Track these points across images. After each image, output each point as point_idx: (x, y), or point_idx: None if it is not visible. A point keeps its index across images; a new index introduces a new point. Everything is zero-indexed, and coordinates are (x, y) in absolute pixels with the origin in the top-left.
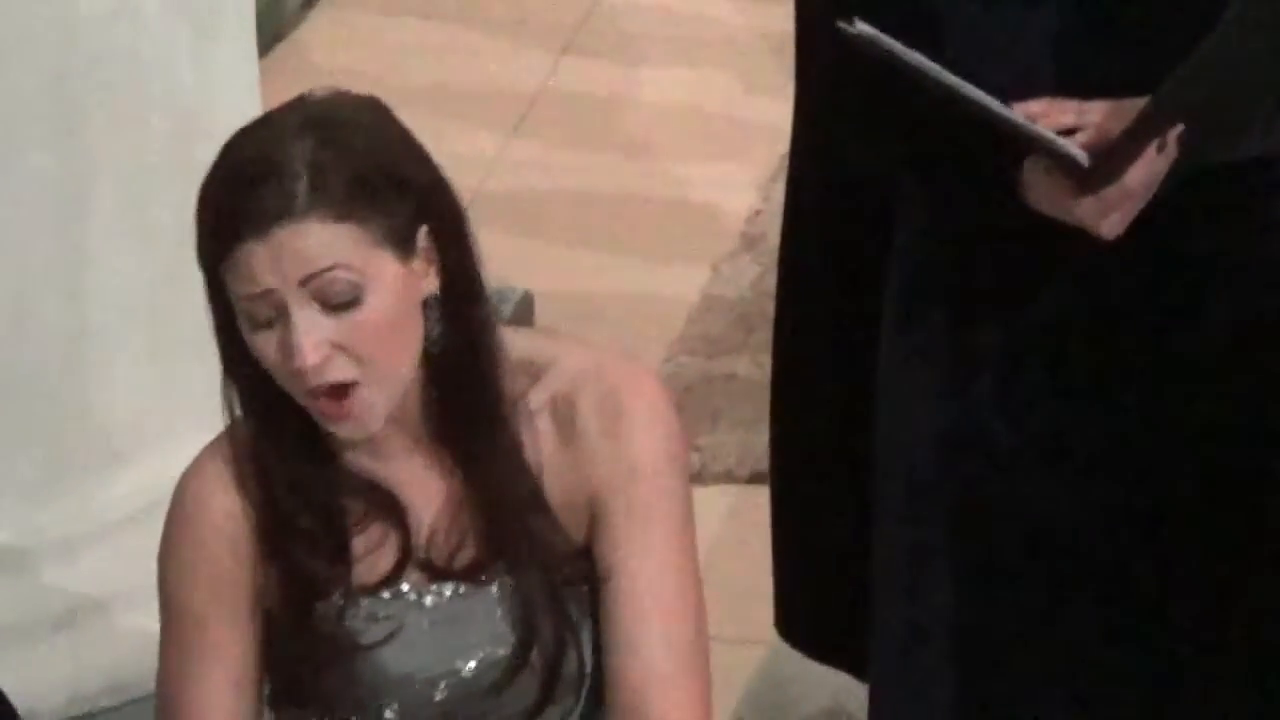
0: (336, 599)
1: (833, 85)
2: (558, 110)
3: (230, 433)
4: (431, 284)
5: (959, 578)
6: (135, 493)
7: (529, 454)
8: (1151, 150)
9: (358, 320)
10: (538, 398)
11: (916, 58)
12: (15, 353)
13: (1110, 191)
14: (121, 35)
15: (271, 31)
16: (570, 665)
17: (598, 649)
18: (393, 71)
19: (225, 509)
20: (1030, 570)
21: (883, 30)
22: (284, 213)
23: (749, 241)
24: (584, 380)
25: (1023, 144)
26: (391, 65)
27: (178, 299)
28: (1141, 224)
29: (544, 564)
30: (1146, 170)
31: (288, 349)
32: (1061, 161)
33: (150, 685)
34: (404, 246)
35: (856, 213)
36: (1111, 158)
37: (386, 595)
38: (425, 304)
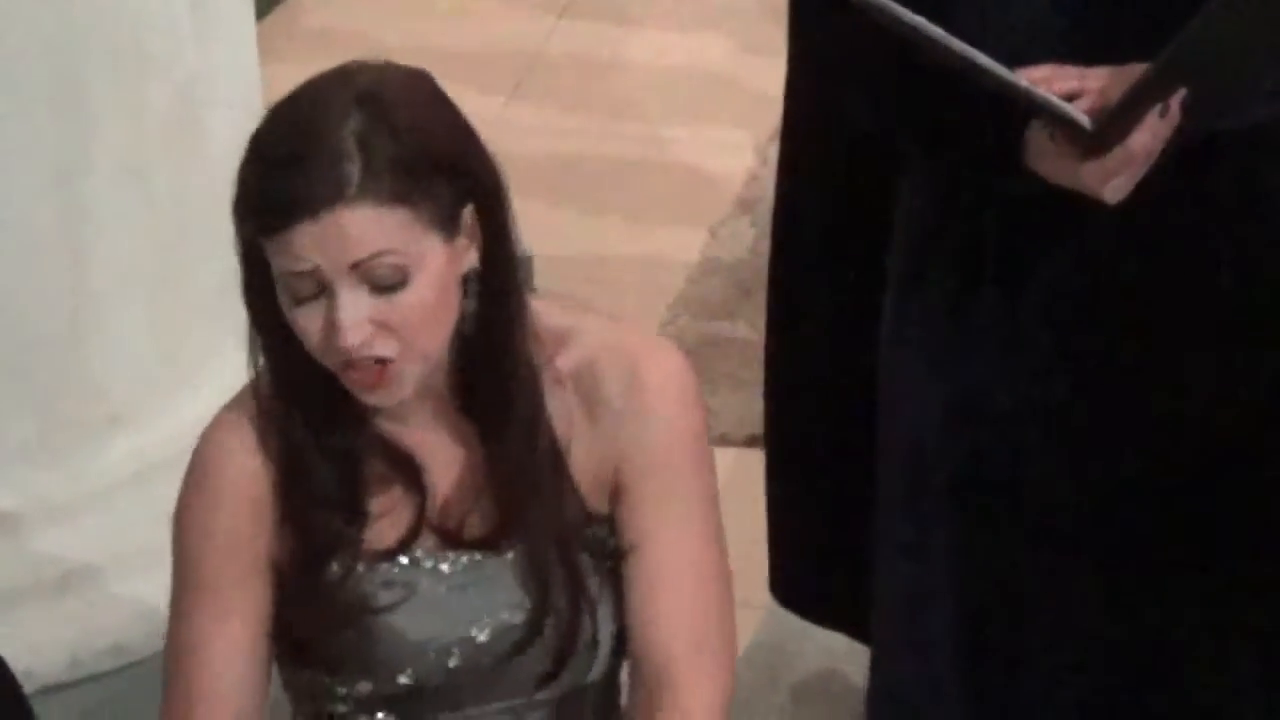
0: (348, 560)
1: (834, 55)
2: (556, 73)
3: (253, 388)
4: (471, 259)
5: (962, 544)
6: (133, 457)
7: (556, 422)
8: (1154, 115)
9: (402, 301)
10: (563, 367)
11: (919, 22)
12: (14, 317)
13: (1114, 156)
14: (118, 1)
15: None
16: (585, 634)
17: (615, 618)
18: (389, 34)
19: (244, 466)
20: (1032, 538)
21: None
22: (336, 196)
23: (746, 205)
24: (607, 352)
25: (1026, 109)
26: (388, 28)
27: (177, 264)
28: (1148, 191)
29: (560, 534)
30: (1150, 135)
31: (330, 326)
32: (1065, 126)
33: (149, 648)
34: (449, 227)
35: (850, 175)
36: (1114, 122)
37: (403, 561)
38: (465, 279)
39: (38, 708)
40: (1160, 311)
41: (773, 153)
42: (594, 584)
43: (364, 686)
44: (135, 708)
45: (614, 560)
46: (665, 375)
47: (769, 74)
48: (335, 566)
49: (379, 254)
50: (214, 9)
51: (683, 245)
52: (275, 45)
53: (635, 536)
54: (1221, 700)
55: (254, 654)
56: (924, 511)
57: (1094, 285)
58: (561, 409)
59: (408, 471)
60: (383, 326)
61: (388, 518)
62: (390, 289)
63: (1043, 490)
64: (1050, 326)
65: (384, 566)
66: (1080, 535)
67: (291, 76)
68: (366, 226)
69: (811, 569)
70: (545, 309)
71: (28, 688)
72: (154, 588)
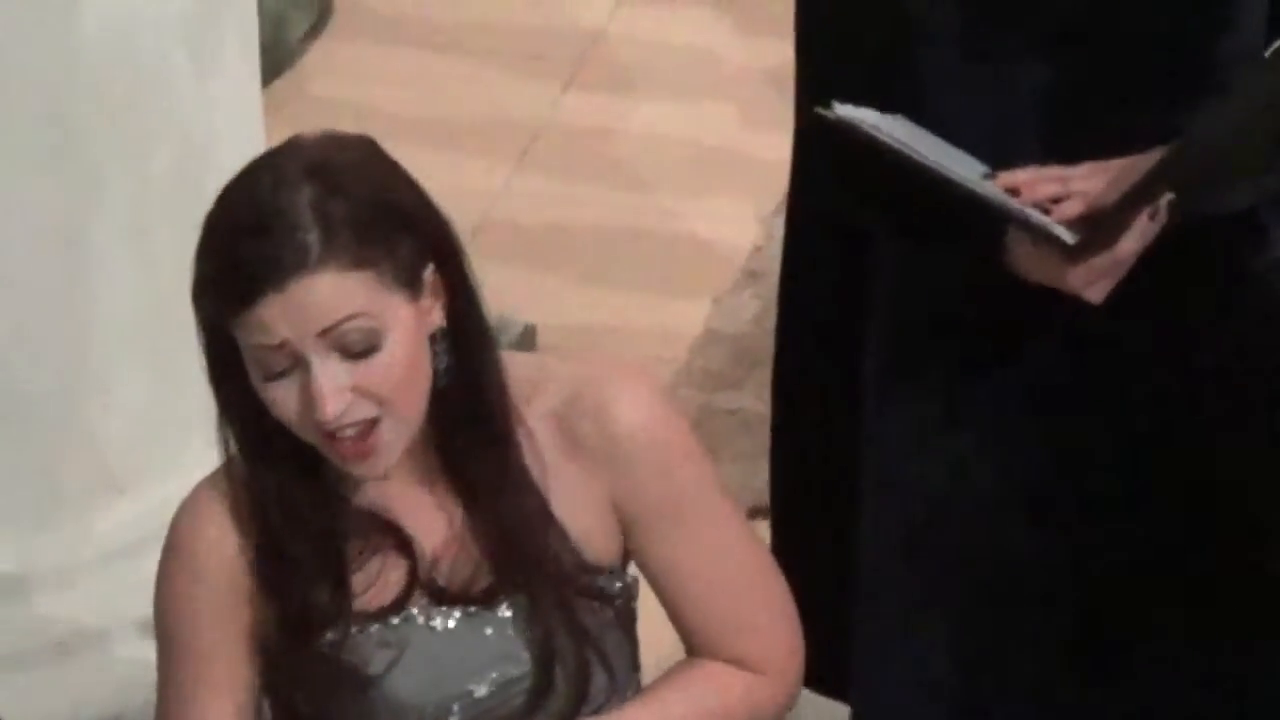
0: (338, 629)
1: (822, 148)
2: (561, 143)
3: (226, 468)
4: (438, 317)
5: (950, 629)
6: (134, 522)
7: (534, 472)
8: (1143, 218)
9: (376, 365)
10: (535, 415)
11: (896, 141)
12: (15, 380)
13: (1100, 260)
14: (123, 62)
15: (274, 62)
16: (599, 683)
17: (631, 663)
18: (396, 103)
19: (220, 543)
20: (1017, 622)
21: (866, 91)
22: (299, 266)
23: (751, 276)
24: (573, 395)
25: (1010, 221)
26: (394, 97)
27: (178, 327)
28: (1127, 282)
29: (555, 582)
30: (1138, 238)
31: (308, 399)
32: (1048, 241)
33: (147, 715)
34: (413, 286)
35: (855, 248)
36: (1103, 229)
37: (395, 621)
38: (432, 338)
39: None
40: (1143, 397)
41: (778, 224)
42: (601, 631)
43: None
44: None
45: (621, 606)
46: (633, 406)
47: (775, 146)
48: (327, 636)
49: (348, 318)
50: (218, 72)
51: (686, 316)
52: (280, 113)
53: (659, 565)
54: None
55: None
56: (912, 597)
57: (1075, 372)
58: (536, 459)
59: (394, 538)
60: (361, 393)
61: (379, 581)
62: (363, 354)
63: (1029, 571)
64: (1031, 413)
65: (376, 628)
66: (1066, 619)
67: None
68: (332, 293)
69: (815, 638)
70: (509, 361)
71: None
72: (152, 653)
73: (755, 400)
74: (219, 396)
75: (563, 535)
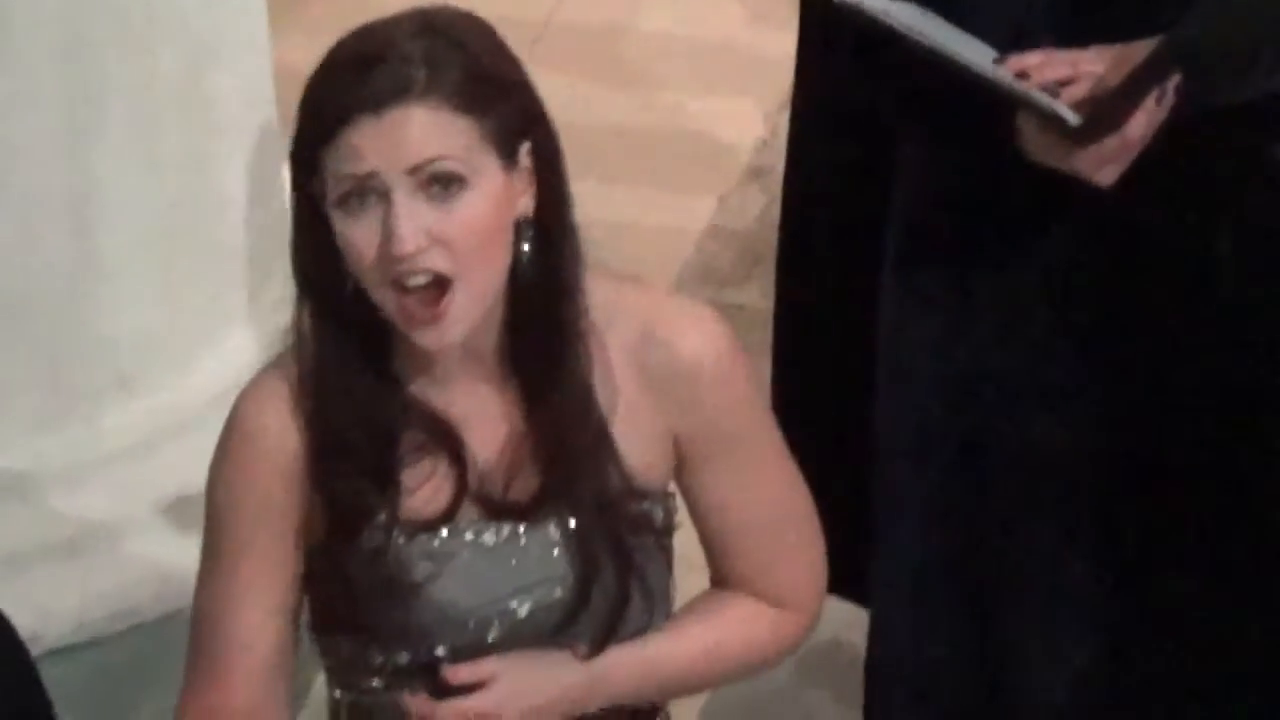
0: (383, 532)
1: (832, 32)
2: (566, 40)
3: (295, 351)
4: (527, 204)
5: (965, 521)
6: (142, 420)
7: (603, 394)
8: (1151, 101)
9: (458, 214)
10: (614, 341)
11: (904, 25)
12: (24, 280)
13: (1109, 143)
14: None
15: None
16: (635, 612)
17: (668, 595)
18: (399, 2)
19: (280, 431)
20: (1033, 512)
21: None
22: (402, 93)
23: (756, 173)
24: (646, 321)
25: (1016, 104)
26: None
27: (186, 227)
28: (1142, 168)
29: (605, 505)
30: (1146, 121)
31: (387, 234)
32: (1052, 121)
33: (156, 611)
34: (508, 154)
35: (859, 145)
36: (1110, 110)
37: (444, 532)
38: (517, 226)
39: (44, 670)
40: (1160, 287)
41: (783, 121)
42: (644, 559)
43: (402, 657)
44: (142, 670)
45: (664, 537)
46: (702, 342)
47: (779, 42)
48: (370, 537)
49: (438, 158)
50: None
51: (692, 213)
52: (285, 14)
53: (708, 499)
54: (1222, 672)
55: (281, 618)
56: (927, 489)
57: (1092, 262)
58: (610, 383)
59: (449, 443)
60: (438, 241)
61: (428, 486)
62: (447, 199)
63: (1044, 463)
64: (1047, 300)
65: (424, 537)
66: (1082, 509)
67: (300, 45)
68: (428, 128)
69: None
70: (592, 283)
71: (34, 650)
72: (161, 550)
73: (760, 297)
74: (299, 267)
75: (618, 461)
